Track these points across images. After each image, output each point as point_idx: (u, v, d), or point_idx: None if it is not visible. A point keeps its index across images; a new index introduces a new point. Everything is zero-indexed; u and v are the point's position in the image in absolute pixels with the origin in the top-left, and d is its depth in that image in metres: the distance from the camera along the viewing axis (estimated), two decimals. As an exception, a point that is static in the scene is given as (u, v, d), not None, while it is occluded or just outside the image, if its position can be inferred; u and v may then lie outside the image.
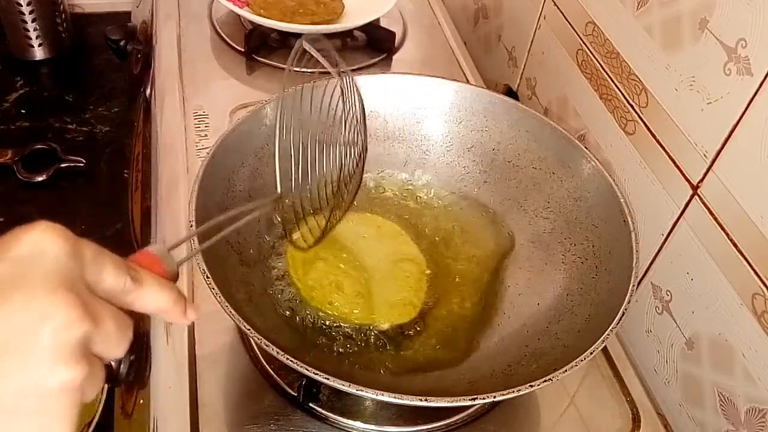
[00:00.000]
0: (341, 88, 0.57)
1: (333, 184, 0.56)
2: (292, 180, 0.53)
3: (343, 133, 0.58)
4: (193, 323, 0.59)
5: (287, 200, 0.52)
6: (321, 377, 0.42)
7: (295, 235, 0.54)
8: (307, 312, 0.57)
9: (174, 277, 0.36)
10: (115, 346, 0.29)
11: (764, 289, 0.52)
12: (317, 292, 0.58)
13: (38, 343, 0.26)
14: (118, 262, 0.31)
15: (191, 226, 0.50)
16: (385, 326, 0.57)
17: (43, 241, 0.28)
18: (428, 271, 0.62)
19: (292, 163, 0.53)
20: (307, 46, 0.55)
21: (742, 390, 0.55)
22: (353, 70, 0.88)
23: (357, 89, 0.58)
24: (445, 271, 0.63)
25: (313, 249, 0.57)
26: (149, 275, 0.33)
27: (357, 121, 0.58)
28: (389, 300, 0.59)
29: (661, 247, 0.63)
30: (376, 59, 0.92)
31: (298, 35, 0.91)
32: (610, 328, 0.48)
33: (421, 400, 0.43)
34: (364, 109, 0.58)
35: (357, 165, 0.59)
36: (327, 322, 0.57)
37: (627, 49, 0.66)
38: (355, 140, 0.58)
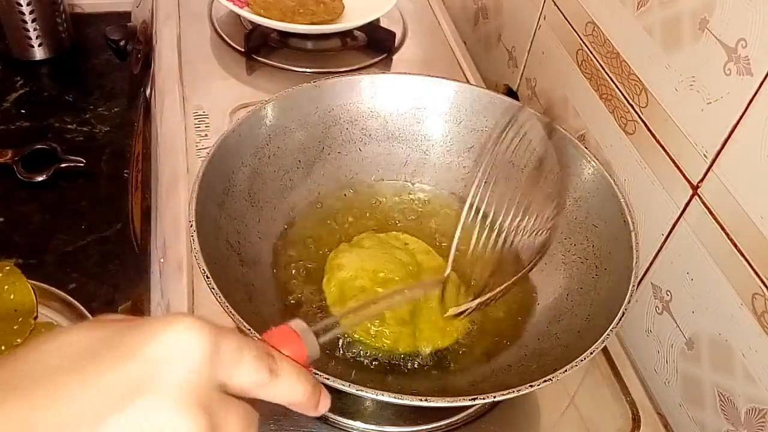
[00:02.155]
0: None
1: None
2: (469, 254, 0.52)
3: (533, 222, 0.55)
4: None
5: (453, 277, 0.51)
6: (321, 377, 0.42)
7: (451, 310, 0.52)
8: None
9: (314, 359, 0.34)
10: None
11: (764, 289, 0.52)
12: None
13: None
14: (258, 355, 0.29)
15: (191, 225, 0.50)
16: (428, 350, 0.55)
17: (183, 343, 0.27)
18: (464, 290, 0.59)
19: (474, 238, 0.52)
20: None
21: (742, 390, 0.55)
22: (353, 71, 0.89)
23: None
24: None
25: (353, 275, 0.57)
26: (288, 365, 0.31)
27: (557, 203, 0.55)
28: (433, 323, 0.56)
29: (661, 247, 0.63)
30: (376, 59, 0.92)
31: (298, 35, 0.91)
32: (610, 328, 0.48)
33: (421, 400, 0.43)
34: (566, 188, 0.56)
35: (543, 246, 0.55)
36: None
37: (627, 49, 0.66)
38: (551, 220, 0.55)
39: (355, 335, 0.55)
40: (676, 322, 0.62)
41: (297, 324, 0.33)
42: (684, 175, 0.59)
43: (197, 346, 0.27)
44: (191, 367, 0.27)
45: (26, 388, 0.26)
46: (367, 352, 0.55)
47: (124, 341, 0.27)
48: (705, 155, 0.57)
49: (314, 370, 0.42)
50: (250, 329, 0.44)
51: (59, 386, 0.26)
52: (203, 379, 0.27)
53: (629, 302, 0.50)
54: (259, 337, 0.41)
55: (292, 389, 0.31)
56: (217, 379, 0.28)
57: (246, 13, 0.88)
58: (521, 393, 0.44)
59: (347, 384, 0.43)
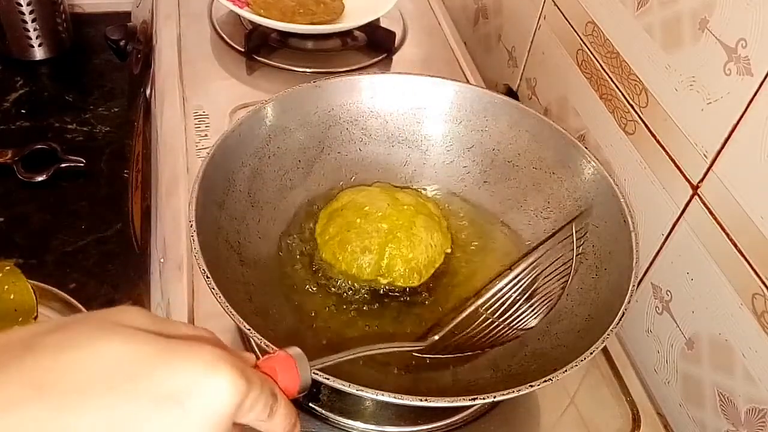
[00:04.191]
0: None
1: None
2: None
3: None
4: (193, 322, 0.59)
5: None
6: (321, 377, 0.42)
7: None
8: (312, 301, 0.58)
9: (305, 387, 0.36)
10: None
11: (764, 289, 0.52)
12: (329, 245, 0.60)
13: None
14: (267, 399, 0.32)
15: (191, 225, 0.50)
16: (384, 282, 0.59)
17: (219, 393, 0.30)
18: (449, 251, 0.62)
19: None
20: None
21: (742, 390, 0.55)
22: (353, 71, 0.89)
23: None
24: (454, 268, 0.63)
25: (343, 205, 0.62)
26: (283, 406, 0.34)
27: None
28: (402, 260, 0.59)
29: (661, 247, 0.63)
30: (376, 59, 0.92)
31: (298, 35, 0.91)
32: (610, 328, 0.48)
33: (421, 400, 0.43)
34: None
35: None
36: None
37: (627, 49, 0.66)
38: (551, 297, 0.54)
39: (324, 256, 0.60)
40: (676, 322, 0.62)
41: (294, 351, 0.36)
42: (684, 175, 0.59)
43: (231, 395, 0.30)
44: (221, 411, 0.29)
45: (56, 393, 0.27)
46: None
47: (158, 374, 0.29)
48: (705, 155, 0.57)
49: (316, 370, 0.42)
50: (250, 329, 0.44)
51: (93, 396, 0.27)
52: (226, 422, 0.30)
53: (629, 302, 0.50)
54: (260, 338, 0.42)
55: (278, 427, 0.34)
56: (235, 420, 0.31)
57: (246, 13, 0.88)
58: (521, 393, 0.44)
59: (347, 384, 0.43)
